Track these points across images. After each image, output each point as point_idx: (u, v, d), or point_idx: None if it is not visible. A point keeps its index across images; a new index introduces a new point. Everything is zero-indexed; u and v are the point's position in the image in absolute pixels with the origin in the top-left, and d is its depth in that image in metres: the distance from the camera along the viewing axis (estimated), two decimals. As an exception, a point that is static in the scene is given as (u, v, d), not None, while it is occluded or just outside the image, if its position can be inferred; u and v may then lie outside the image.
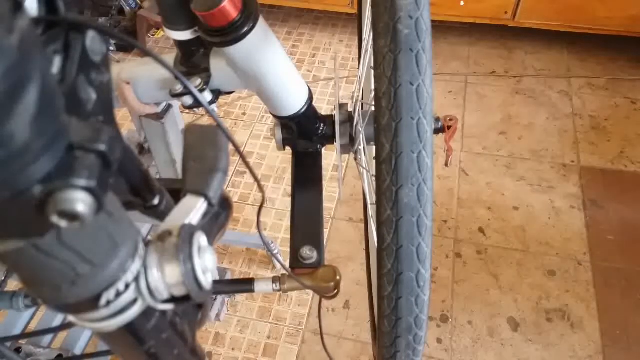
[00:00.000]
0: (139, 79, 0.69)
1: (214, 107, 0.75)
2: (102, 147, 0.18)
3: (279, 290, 0.61)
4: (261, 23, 0.59)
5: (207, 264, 0.23)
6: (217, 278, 0.98)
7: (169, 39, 1.48)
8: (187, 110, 1.52)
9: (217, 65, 0.65)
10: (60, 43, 0.21)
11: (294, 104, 0.69)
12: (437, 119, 0.70)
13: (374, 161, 0.45)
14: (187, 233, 0.23)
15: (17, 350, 0.82)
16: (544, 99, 1.87)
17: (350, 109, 0.73)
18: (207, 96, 0.65)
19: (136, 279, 0.23)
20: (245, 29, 0.57)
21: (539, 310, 1.34)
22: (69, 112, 0.18)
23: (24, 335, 0.88)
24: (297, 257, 0.63)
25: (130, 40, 0.22)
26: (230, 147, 0.29)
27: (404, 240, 0.43)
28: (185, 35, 0.61)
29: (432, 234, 0.46)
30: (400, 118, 0.41)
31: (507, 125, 1.79)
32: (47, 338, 0.87)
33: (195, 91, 0.23)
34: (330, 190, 1.68)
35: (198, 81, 0.64)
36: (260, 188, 0.35)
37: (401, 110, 0.41)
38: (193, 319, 0.31)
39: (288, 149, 0.76)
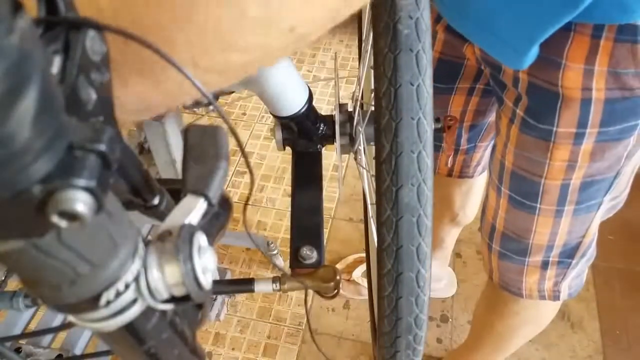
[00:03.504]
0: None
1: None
2: (102, 147, 0.18)
3: (279, 290, 0.61)
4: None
5: (207, 264, 0.23)
6: (217, 278, 0.98)
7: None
8: (187, 110, 1.52)
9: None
10: (60, 43, 0.21)
11: (294, 104, 0.69)
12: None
13: (374, 161, 0.45)
14: (187, 233, 0.23)
15: (17, 350, 0.82)
16: (544, 99, 1.87)
17: (350, 109, 0.73)
18: (207, 96, 0.65)
19: (136, 279, 0.23)
20: (245, 29, 0.57)
21: (539, 310, 1.34)
22: (68, 112, 0.18)
23: (24, 335, 0.88)
24: (297, 257, 0.63)
25: (132, 37, 0.22)
26: (230, 147, 0.29)
27: (404, 240, 0.43)
28: (185, 35, 0.61)
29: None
30: (400, 118, 0.41)
31: (507, 125, 1.79)
32: (47, 338, 0.87)
33: (200, 86, 0.23)
34: (330, 190, 1.68)
35: (198, 81, 0.64)
36: (252, 179, 0.35)
37: (401, 110, 0.41)
38: (193, 319, 0.31)
39: (288, 149, 0.76)
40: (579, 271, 0.86)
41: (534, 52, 0.60)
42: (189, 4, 0.24)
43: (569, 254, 0.81)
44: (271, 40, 0.26)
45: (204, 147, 0.27)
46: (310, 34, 0.27)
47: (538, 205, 0.75)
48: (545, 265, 0.83)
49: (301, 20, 0.26)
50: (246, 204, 0.39)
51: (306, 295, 0.63)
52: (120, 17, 0.23)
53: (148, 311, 0.25)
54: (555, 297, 0.88)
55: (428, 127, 0.42)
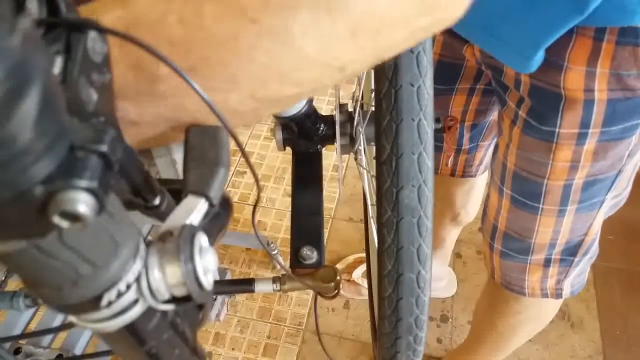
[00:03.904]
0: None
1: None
2: (104, 147, 0.18)
3: (279, 290, 0.61)
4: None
5: (208, 265, 0.23)
6: (217, 278, 0.98)
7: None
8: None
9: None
10: (62, 44, 0.21)
11: (294, 104, 0.69)
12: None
13: (374, 161, 0.45)
14: (188, 233, 0.23)
15: (17, 350, 0.82)
16: (544, 99, 1.87)
17: (350, 109, 0.73)
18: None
19: (137, 280, 0.23)
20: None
21: (538, 310, 1.34)
22: (70, 112, 0.18)
23: (24, 335, 0.88)
24: (297, 257, 0.63)
25: (131, 38, 0.22)
26: (230, 146, 0.29)
27: (405, 242, 0.43)
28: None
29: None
30: (401, 119, 0.41)
31: (507, 126, 1.79)
32: (47, 338, 0.87)
33: (197, 87, 0.23)
34: (330, 190, 1.68)
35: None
36: (258, 185, 0.35)
37: (402, 112, 0.41)
38: (194, 319, 0.31)
39: (288, 149, 0.76)
40: (582, 269, 0.86)
41: (540, 56, 0.60)
42: (254, 44, 0.26)
43: (572, 251, 0.82)
44: (323, 77, 0.29)
45: (205, 147, 0.27)
46: (357, 72, 0.31)
47: (540, 206, 0.75)
48: (547, 263, 0.83)
49: (351, 61, 0.29)
50: (256, 205, 0.39)
51: (316, 299, 0.63)
52: (191, 52, 0.26)
53: (149, 311, 0.25)
54: (558, 295, 0.88)
55: (429, 128, 0.42)
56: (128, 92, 0.26)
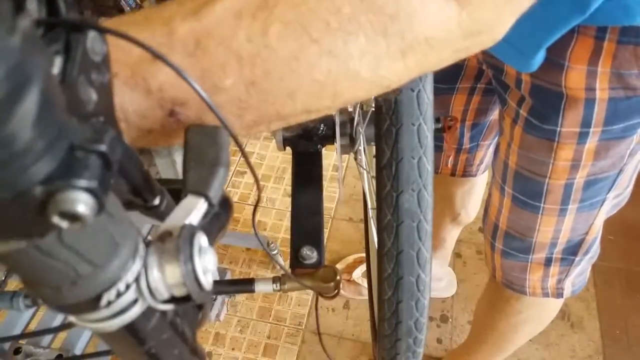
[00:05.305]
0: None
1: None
2: (103, 147, 0.18)
3: (279, 290, 0.61)
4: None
5: (207, 265, 0.23)
6: (217, 278, 0.98)
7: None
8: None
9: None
10: (61, 44, 0.21)
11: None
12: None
13: (375, 167, 0.45)
14: (188, 233, 0.23)
15: (17, 350, 0.82)
16: (544, 99, 1.87)
17: (350, 109, 0.73)
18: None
19: (137, 279, 0.23)
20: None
21: (538, 310, 1.34)
22: (69, 112, 0.18)
23: (24, 335, 0.88)
24: (297, 257, 0.63)
25: (130, 38, 0.22)
26: (231, 147, 0.29)
27: (404, 245, 0.43)
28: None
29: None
30: (401, 124, 0.41)
31: (507, 126, 1.79)
32: (47, 338, 0.87)
33: (198, 88, 0.23)
34: (330, 190, 1.68)
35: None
36: (258, 185, 0.35)
37: (402, 116, 0.41)
38: (193, 319, 0.31)
39: (288, 149, 0.76)
40: (582, 269, 0.86)
41: (541, 55, 0.60)
42: (313, 63, 0.28)
43: (572, 250, 0.82)
44: (370, 94, 0.32)
45: (204, 147, 0.27)
46: (398, 87, 0.32)
47: (542, 205, 0.75)
48: (548, 262, 0.83)
49: (398, 80, 0.31)
50: (256, 205, 0.39)
51: (317, 300, 0.63)
52: (255, 68, 0.27)
53: (148, 311, 0.25)
54: (559, 295, 0.88)
55: (429, 132, 0.42)
56: (190, 99, 0.28)
